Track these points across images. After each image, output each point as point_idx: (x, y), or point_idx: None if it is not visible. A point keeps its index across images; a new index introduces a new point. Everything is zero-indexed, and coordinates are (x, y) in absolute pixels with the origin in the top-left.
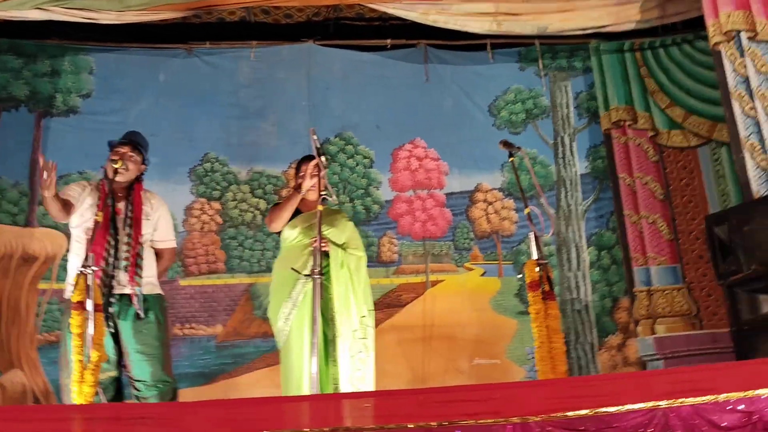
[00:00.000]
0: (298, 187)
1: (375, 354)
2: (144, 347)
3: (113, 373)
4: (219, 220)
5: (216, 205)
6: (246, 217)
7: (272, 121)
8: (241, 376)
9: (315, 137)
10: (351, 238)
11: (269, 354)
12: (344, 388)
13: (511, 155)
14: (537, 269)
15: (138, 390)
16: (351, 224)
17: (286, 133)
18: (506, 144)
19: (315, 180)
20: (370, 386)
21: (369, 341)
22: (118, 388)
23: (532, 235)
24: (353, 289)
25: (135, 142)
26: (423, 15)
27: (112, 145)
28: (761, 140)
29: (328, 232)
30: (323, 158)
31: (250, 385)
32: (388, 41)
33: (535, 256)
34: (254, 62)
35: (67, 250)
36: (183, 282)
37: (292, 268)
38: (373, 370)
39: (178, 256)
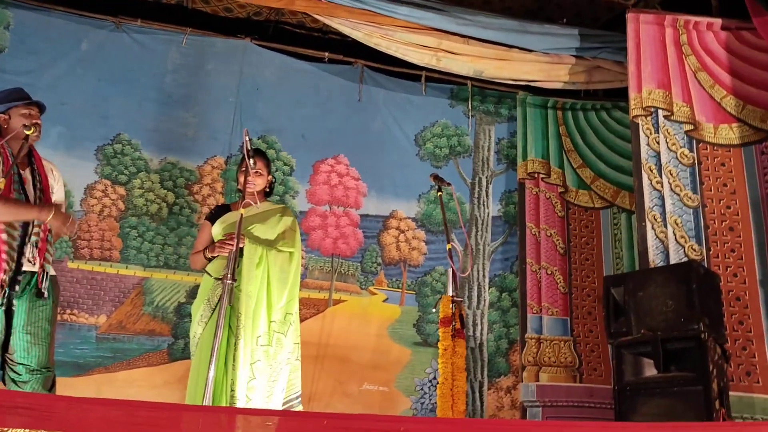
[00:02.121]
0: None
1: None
2: (35, 329)
3: None
4: (121, 206)
5: (120, 189)
6: (151, 208)
7: (194, 112)
8: (119, 373)
9: (248, 138)
10: (284, 233)
11: (152, 353)
12: (239, 397)
13: (439, 189)
14: (451, 306)
15: (18, 374)
16: (290, 220)
17: (207, 127)
18: (437, 178)
19: (256, 178)
20: (266, 397)
21: (275, 349)
22: None
23: (450, 271)
24: (268, 291)
25: (43, 105)
26: (367, 36)
27: (14, 101)
28: (663, 213)
29: (255, 228)
30: (252, 162)
31: (128, 383)
32: (326, 54)
33: (450, 292)
34: (185, 49)
35: None
36: (71, 264)
37: (205, 271)
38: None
39: (70, 237)
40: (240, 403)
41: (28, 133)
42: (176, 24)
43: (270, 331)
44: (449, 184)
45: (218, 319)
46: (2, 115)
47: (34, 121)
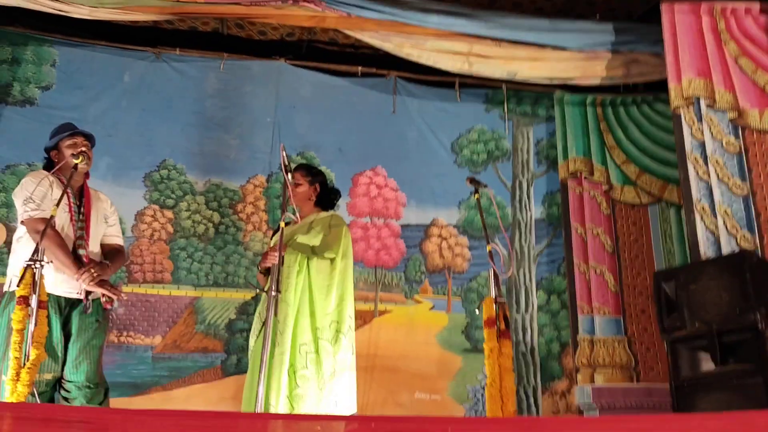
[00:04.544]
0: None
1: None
2: (83, 345)
3: (57, 374)
4: (170, 229)
5: (169, 213)
6: (198, 228)
7: (235, 134)
8: (175, 390)
9: (284, 154)
10: (326, 240)
11: (207, 370)
12: (277, 407)
13: (476, 192)
14: (494, 307)
15: (68, 391)
16: (336, 228)
17: (248, 148)
18: (473, 181)
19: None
20: (315, 405)
21: (323, 357)
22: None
23: (491, 272)
24: (310, 299)
25: (89, 134)
26: (397, 47)
27: (60, 134)
28: (711, 204)
29: (298, 237)
30: (290, 176)
31: (184, 400)
32: (359, 69)
33: (493, 293)
34: (223, 74)
35: (6, 242)
36: (126, 288)
37: (254, 284)
38: (329, 388)
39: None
40: (276, 411)
41: (76, 161)
42: (213, 50)
43: (315, 339)
44: (486, 186)
45: (266, 330)
46: (54, 150)
47: (80, 149)
